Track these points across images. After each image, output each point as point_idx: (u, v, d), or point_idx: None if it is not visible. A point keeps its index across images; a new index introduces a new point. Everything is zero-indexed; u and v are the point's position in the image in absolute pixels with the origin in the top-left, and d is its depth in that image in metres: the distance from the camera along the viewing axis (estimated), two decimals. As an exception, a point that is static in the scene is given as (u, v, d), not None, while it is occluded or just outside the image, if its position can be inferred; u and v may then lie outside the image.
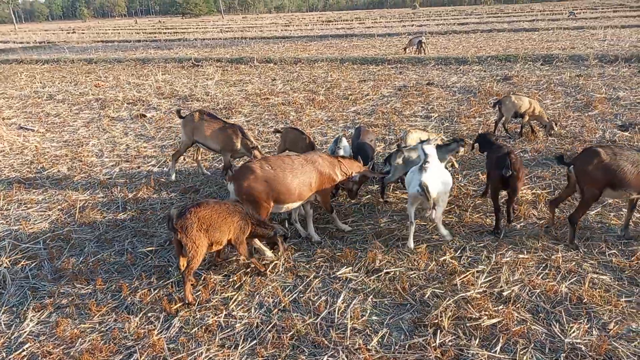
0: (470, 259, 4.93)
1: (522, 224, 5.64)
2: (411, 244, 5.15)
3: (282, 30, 42.65)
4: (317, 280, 4.72)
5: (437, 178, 4.96)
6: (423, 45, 20.88)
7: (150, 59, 23.04)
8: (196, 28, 53.30)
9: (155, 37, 40.16)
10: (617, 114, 9.85)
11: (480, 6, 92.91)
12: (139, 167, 8.46)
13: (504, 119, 8.75)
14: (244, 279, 4.81)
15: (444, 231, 5.30)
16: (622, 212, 5.66)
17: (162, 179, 7.76)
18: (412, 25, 39.80)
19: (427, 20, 47.92)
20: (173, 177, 7.80)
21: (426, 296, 4.32)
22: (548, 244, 5.07)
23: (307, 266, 4.99)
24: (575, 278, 4.44)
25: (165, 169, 8.29)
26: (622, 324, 3.80)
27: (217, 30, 45.78)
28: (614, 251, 4.86)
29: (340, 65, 18.69)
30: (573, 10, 43.82)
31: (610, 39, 22.74)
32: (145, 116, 11.97)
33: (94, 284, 4.85)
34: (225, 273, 4.94)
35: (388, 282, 4.60)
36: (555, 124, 8.68)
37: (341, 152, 6.66)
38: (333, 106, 12.05)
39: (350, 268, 4.87)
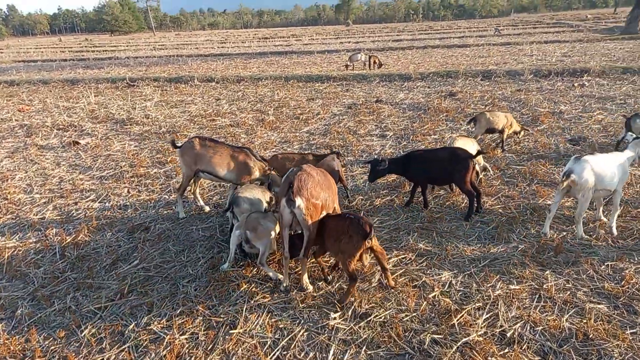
0: (460, 293, 4.61)
1: (501, 248, 5.43)
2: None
3: (218, 47, 41.77)
4: (301, 332, 4.19)
5: None
6: (371, 59, 21.23)
7: (79, 79, 21.49)
8: (127, 46, 51.11)
9: (83, 55, 37.92)
10: (564, 127, 10.14)
11: (410, 23, 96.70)
12: (76, 204, 7.52)
13: (475, 135, 8.71)
14: (214, 336, 4.19)
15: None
16: (600, 230, 5.61)
17: (105, 216, 6.91)
18: (349, 42, 40.34)
19: (362, 37, 48.88)
20: (182, 214, 6.87)
21: (426, 344, 3.91)
22: (535, 271, 4.87)
23: (287, 315, 4.44)
24: (573, 310, 4.22)
25: (107, 203, 7.42)
26: (635, 361, 3.60)
27: (150, 48, 44.12)
28: (602, 275, 4.73)
29: (285, 83, 18.31)
30: (497, 27, 46.40)
31: (537, 54, 24.04)
32: (79, 143, 10.89)
33: (32, 356, 4.03)
34: (192, 331, 4.29)
35: (380, 328, 4.16)
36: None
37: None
38: (285, 127, 11.59)
39: (338, 314, 4.38)
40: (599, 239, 5.46)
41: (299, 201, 4.43)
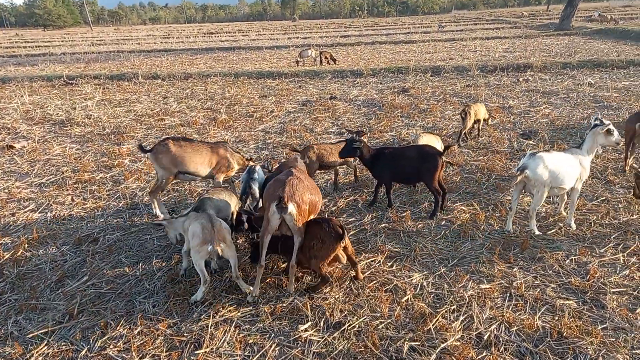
0: (433, 295, 4.53)
1: (468, 246, 5.42)
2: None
3: (162, 42, 40.23)
4: (272, 347, 3.95)
5: None
6: (322, 55, 21.18)
7: (11, 77, 19.92)
8: (62, 41, 48.15)
9: (13, 52, 35.28)
10: (515, 122, 10.41)
11: (356, 19, 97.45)
12: (13, 215, 6.86)
13: (468, 127, 9.10)
14: (178, 358, 3.87)
15: None
16: (560, 224, 5.73)
17: (47, 228, 6.34)
18: (297, 38, 39.98)
19: (310, 32, 48.65)
20: (161, 215, 6.43)
21: (404, 352, 3.79)
22: (504, 269, 4.87)
23: (256, 329, 4.18)
24: (545, 307, 4.24)
25: (49, 213, 6.83)
26: (609, 358, 3.63)
27: (88, 44, 41.79)
28: (568, 270, 4.80)
29: (235, 79, 17.79)
30: (441, 23, 47.55)
31: (480, 49, 24.77)
32: (13, 147, 10.03)
33: (-32, 395, 3.56)
34: (153, 353, 3.95)
35: (355, 338, 3.99)
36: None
37: (255, 186, 5.87)
38: (239, 125, 11.21)
39: (309, 324, 4.18)
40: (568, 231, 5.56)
41: (291, 207, 4.31)
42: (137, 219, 6.61)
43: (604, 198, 6.43)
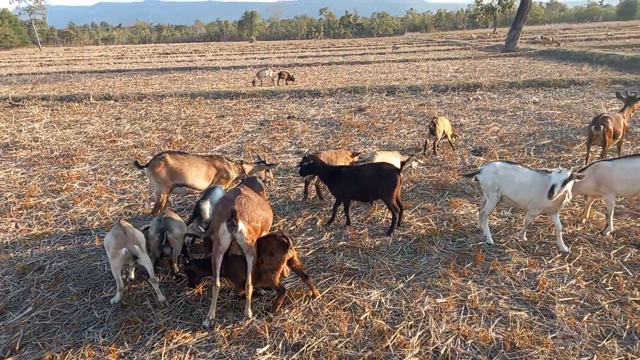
0: (391, 311, 4.55)
1: (424, 261, 5.50)
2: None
3: (115, 63, 39.44)
4: (229, 373, 3.84)
5: None
6: (281, 75, 21.39)
7: (-50, 98, 18.93)
8: (8, 62, 46.43)
9: (-47, 72, 33.66)
10: (466, 139, 10.76)
11: (313, 40, 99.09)
12: (-51, 245, 6.43)
13: (438, 139, 9.52)
14: (131, 389, 3.70)
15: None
16: (511, 237, 5.92)
17: (-12, 258, 5.97)
18: (255, 58, 40.20)
19: (267, 53, 49.02)
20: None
21: (363, 371, 3.77)
22: (458, 283, 4.97)
23: (212, 355, 4.06)
24: (498, 319, 4.34)
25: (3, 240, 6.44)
26: (559, 365, 3.75)
27: (36, 64, 40.44)
28: (519, 282, 4.94)
29: (192, 100, 17.61)
30: (395, 45, 49.04)
31: (433, 70, 25.64)
32: (-49, 173, 9.47)
33: None
34: (104, 385, 3.76)
35: (314, 359, 3.94)
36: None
37: (206, 207, 5.64)
38: (195, 146, 11.04)
39: (268, 347, 4.09)
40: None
41: (241, 225, 4.27)
42: (87, 244, 6.34)
43: (551, 210, 6.71)
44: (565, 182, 4.97)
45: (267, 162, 7.18)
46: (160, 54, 52.77)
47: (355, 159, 8.02)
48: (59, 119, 14.95)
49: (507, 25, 66.91)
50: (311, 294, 4.80)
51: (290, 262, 4.61)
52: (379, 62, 31.72)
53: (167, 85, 22.72)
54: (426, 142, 10.00)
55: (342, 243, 6.04)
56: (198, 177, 6.50)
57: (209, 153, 8.61)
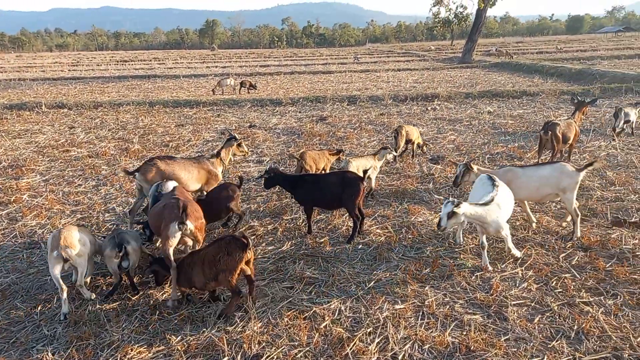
0: (350, 319, 4.58)
1: (383, 268, 5.57)
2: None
3: (70, 70, 38.24)
4: (186, 387, 3.76)
5: None
6: (243, 84, 21.36)
7: None
8: (-47, 67, 44.14)
9: None
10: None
11: (275, 50, 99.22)
12: None
13: (401, 147, 9.71)
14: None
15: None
16: (470, 244, 6.08)
17: None
18: (216, 67, 39.87)
19: (229, 62, 48.72)
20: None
21: (322, 379, 3.77)
22: (416, 288, 5.06)
23: (168, 369, 3.97)
24: (454, 323, 4.44)
25: None
26: (512, 366, 3.87)
27: (-16, 70, 38.62)
28: (474, 286, 5.08)
29: (150, 108, 17.25)
30: (357, 55, 49.76)
31: (393, 80, 26.17)
32: None
33: None
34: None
35: (273, 369, 3.92)
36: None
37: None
38: (153, 155, 10.78)
39: (227, 359, 4.04)
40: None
41: (189, 224, 4.89)
42: (36, 259, 6.08)
43: (504, 216, 6.94)
44: (449, 215, 4.84)
45: (235, 136, 7.55)
46: (117, 62, 51.53)
47: (341, 156, 8.58)
48: (7, 128, 14.32)
49: (464, 37, 69.19)
50: (246, 291, 4.83)
51: (247, 263, 4.61)
52: (341, 72, 32.11)
53: (124, 94, 22.19)
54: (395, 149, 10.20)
55: (302, 251, 6.04)
56: (190, 180, 6.63)
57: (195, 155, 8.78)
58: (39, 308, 4.94)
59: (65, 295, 4.70)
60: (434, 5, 52.44)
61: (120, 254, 4.89)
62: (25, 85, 26.84)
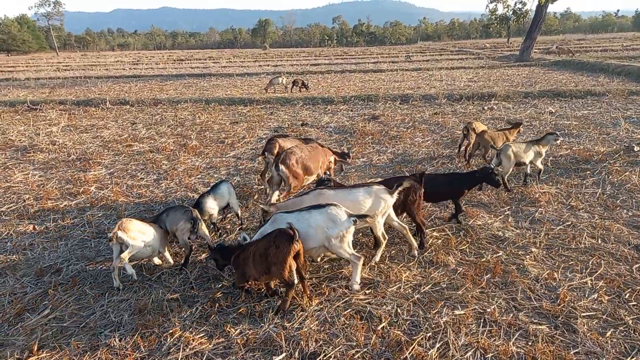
0: (408, 322, 4.49)
1: (441, 272, 5.44)
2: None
3: (130, 69, 39.95)
4: (246, 381, 3.82)
5: None
6: (296, 83, 21.52)
7: (-30, 102, 19.29)
8: (26, 66, 47.25)
9: (-27, 75, 34.34)
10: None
11: (325, 48, 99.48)
12: (-31, 246, 6.51)
13: (472, 143, 9.51)
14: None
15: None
16: (531, 249, 5.83)
17: (6, 259, 6.03)
18: (268, 65, 40.43)
19: (281, 60, 49.25)
20: None
21: (381, 382, 3.72)
22: (477, 295, 4.90)
23: (229, 362, 4.04)
24: (518, 333, 4.26)
25: (9, 243, 6.50)
26: (582, 381, 3.66)
27: (54, 69, 41.08)
28: (539, 295, 4.86)
29: (206, 106, 17.73)
30: (409, 54, 49.07)
31: (446, 79, 25.56)
32: (-29, 175, 9.60)
33: None
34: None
35: (331, 368, 3.91)
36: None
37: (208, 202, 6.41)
38: (210, 151, 11.11)
39: (284, 355, 4.06)
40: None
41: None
42: (103, 248, 6.37)
43: (569, 223, 6.61)
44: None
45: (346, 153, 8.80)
46: (174, 61, 53.35)
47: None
48: (76, 122, 15.15)
49: (521, 35, 66.51)
50: (304, 300, 4.79)
51: (296, 257, 4.62)
52: (392, 70, 31.71)
53: (181, 91, 22.94)
54: (460, 145, 10.23)
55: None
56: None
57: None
58: (106, 295, 5.17)
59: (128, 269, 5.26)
60: (491, 2, 50.80)
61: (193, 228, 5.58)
62: (90, 82, 28.30)
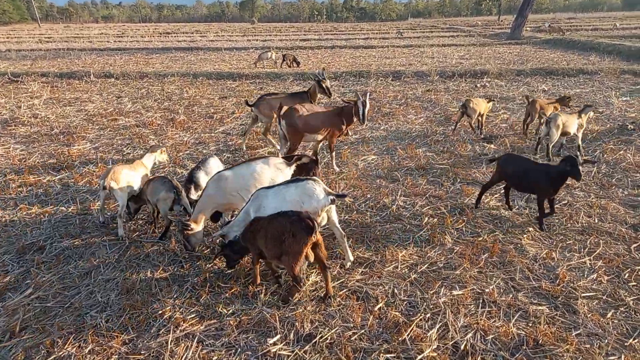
0: (405, 303, 4.38)
1: (437, 251, 5.32)
2: None
3: (115, 41, 38.81)
4: (239, 363, 3.68)
5: None
6: (286, 58, 21.04)
7: (-53, 73, 18.55)
8: (7, 37, 45.67)
9: (-50, 46, 33.07)
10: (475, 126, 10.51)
11: (315, 24, 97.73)
12: (-54, 222, 6.23)
13: (473, 119, 9.67)
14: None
15: None
16: (529, 229, 5.74)
17: (-14, 237, 5.78)
18: (257, 40, 39.56)
19: (269, 35, 48.25)
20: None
21: (379, 364, 3.61)
22: (475, 274, 4.80)
23: (221, 344, 3.90)
24: (518, 314, 4.17)
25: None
26: (585, 363, 3.59)
27: (35, 41, 39.76)
28: (537, 275, 4.78)
29: (194, 80, 17.28)
30: (400, 30, 48.38)
31: (437, 56, 25.22)
32: (-52, 148, 9.22)
33: None
34: (108, 373, 3.59)
35: (327, 351, 3.78)
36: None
37: (201, 177, 6.17)
38: (198, 127, 10.80)
39: (278, 337, 3.93)
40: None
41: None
42: (88, 224, 6.14)
43: (566, 202, 6.53)
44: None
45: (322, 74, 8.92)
46: (161, 34, 51.98)
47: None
48: (58, 95, 14.65)
49: (511, 13, 66.03)
50: (324, 291, 4.46)
51: (314, 247, 4.28)
52: (383, 47, 31.22)
53: (168, 65, 22.33)
54: (456, 123, 10.07)
55: (350, 229, 5.85)
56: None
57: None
58: (92, 274, 4.97)
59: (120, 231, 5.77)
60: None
61: (174, 198, 5.50)
62: (73, 55, 27.43)
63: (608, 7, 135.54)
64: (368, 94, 7.53)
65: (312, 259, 4.39)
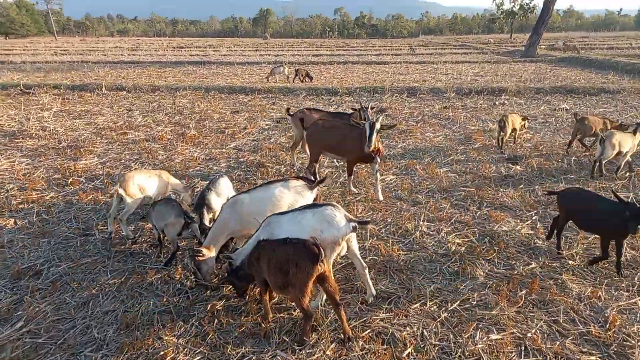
0: (437, 348, 3.89)
1: (469, 286, 4.83)
2: None
3: (129, 55, 38.98)
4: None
5: None
6: (299, 72, 20.78)
7: (-41, 84, 18.51)
8: (23, 50, 46.17)
9: (-33, 58, 33.38)
10: (496, 146, 10.04)
11: (327, 39, 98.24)
12: (-60, 241, 5.86)
13: (507, 135, 9.64)
14: None
15: None
16: (569, 261, 5.23)
17: (-20, 259, 5.40)
18: (269, 55, 39.55)
19: (282, 50, 48.30)
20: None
21: None
22: (513, 315, 4.30)
23: None
24: (567, 364, 3.67)
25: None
26: None
27: (51, 53, 40.09)
28: (584, 317, 4.26)
29: (206, 94, 17.02)
30: (413, 46, 48.22)
31: (452, 72, 24.85)
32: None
33: None
34: None
35: (351, 405, 3.30)
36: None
37: (212, 199, 5.68)
38: (209, 142, 10.44)
39: (294, 389, 3.46)
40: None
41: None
42: (90, 247, 5.74)
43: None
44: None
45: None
46: (174, 48, 52.31)
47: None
48: (69, 108, 14.43)
49: (523, 31, 65.74)
50: (341, 330, 3.98)
51: (321, 280, 3.79)
52: (396, 63, 30.95)
53: (180, 79, 22.17)
54: (498, 139, 9.86)
55: (370, 258, 5.38)
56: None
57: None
58: (90, 305, 4.55)
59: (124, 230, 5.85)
60: (497, -4, 49.96)
61: (184, 222, 5.13)
62: (87, 67, 27.45)
63: (621, 26, 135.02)
64: (382, 116, 7.12)
65: (312, 292, 3.88)
